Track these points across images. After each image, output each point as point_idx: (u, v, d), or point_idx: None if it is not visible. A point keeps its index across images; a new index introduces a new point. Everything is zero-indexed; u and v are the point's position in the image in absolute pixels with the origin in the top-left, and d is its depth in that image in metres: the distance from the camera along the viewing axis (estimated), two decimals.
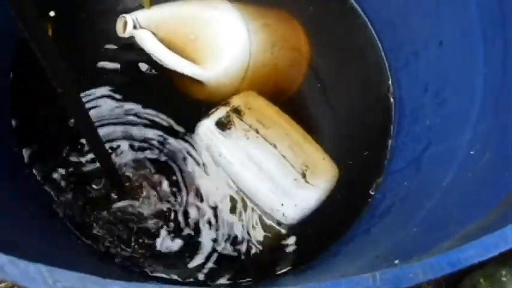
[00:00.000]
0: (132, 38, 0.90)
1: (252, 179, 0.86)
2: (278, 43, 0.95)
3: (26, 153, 0.89)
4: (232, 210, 0.89)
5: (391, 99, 1.00)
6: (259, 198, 0.86)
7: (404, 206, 0.81)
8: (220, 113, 0.89)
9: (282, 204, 0.84)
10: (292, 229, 0.88)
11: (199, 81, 0.90)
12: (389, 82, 1.01)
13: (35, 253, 0.46)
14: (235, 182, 0.88)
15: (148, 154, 0.91)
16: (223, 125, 0.88)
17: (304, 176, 0.86)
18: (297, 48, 0.99)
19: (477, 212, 0.57)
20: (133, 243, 0.86)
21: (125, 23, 0.88)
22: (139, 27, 0.88)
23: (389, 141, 0.97)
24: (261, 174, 0.85)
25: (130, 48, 0.94)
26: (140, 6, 0.93)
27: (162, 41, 0.89)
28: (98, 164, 0.83)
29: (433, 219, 0.68)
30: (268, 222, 0.88)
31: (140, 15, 0.88)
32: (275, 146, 0.87)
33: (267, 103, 0.93)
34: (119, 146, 0.91)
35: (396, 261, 0.55)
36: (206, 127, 0.88)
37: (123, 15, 0.88)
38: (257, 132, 0.88)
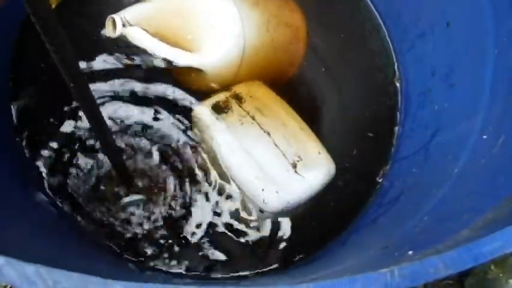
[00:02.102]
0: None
1: (238, 163, 0.85)
2: (272, 20, 0.92)
3: (35, 155, 0.88)
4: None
5: (397, 84, 0.97)
6: (243, 183, 0.85)
7: (413, 194, 0.79)
8: (218, 97, 0.89)
9: (263, 190, 0.82)
10: (299, 217, 0.87)
11: (198, 70, 0.88)
12: (395, 66, 0.98)
13: (43, 255, 0.45)
14: (225, 167, 0.87)
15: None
16: (219, 108, 0.88)
17: (295, 166, 0.84)
18: (292, 24, 0.97)
19: (493, 199, 0.55)
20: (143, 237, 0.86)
21: (114, 23, 0.86)
22: (128, 25, 0.86)
23: (396, 127, 0.95)
24: (249, 160, 0.84)
25: None
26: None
27: (154, 36, 0.87)
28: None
29: (445, 208, 0.66)
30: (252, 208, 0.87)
31: (128, 13, 0.86)
32: (269, 134, 0.86)
33: (271, 93, 0.92)
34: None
35: (410, 252, 0.53)
36: (201, 108, 0.89)
37: (111, 15, 0.86)
38: (253, 119, 0.88)
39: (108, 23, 0.87)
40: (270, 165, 0.83)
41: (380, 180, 0.92)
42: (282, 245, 0.88)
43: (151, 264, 0.84)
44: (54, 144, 0.90)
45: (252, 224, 0.88)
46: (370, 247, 0.69)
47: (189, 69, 0.88)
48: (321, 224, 0.89)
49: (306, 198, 0.84)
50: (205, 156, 0.91)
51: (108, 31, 0.88)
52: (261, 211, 0.85)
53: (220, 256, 0.87)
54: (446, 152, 0.76)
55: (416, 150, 0.86)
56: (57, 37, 0.50)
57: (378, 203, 0.87)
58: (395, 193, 0.84)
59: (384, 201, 0.86)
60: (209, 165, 0.91)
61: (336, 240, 0.85)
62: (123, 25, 0.85)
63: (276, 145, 0.85)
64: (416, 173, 0.82)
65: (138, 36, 0.86)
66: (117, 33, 0.86)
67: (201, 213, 0.88)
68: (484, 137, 0.69)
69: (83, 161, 0.89)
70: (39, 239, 0.69)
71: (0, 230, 0.59)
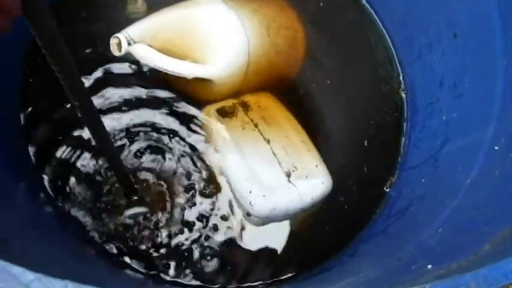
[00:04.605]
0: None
1: (231, 163, 0.86)
2: (271, 24, 0.93)
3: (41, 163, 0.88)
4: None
5: (403, 95, 0.97)
6: (233, 183, 0.86)
7: (424, 204, 0.79)
8: (225, 102, 0.92)
9: (250, 192, 0.82)
10: (308, 227, 0.87)
11: (206, 80, 0.88)
12: (401, 77, 0.98)
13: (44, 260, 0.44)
14: (220, 166, 0.88)
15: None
16: (224, 112, 0.90)
17: (288, 175, 0.84)
18: (291, 27, 0.98)
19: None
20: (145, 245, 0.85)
21: (119, 42, 0.86)
22: (133, 42, 0.86)
23: (402, 137, 0.95)
24: (243, 162, 0.84)
25: None
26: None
27: (159, 51, 0.88)
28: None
29: (460, 219, 0.66)
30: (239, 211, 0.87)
31: (131, 31, 0.87)
32: (268, 142, 0.87)
33: (279, 105, 0.93)
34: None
35: (429, 266, 0.52)
36: (206, 110, 0.91)
37: (115, 34, 0.86)
38: (256, 126, 0.89)
39: (113, 42, 0.88)
40: (263, 170, 0.84)
41: (388, 190, 0.92)
42: (291, 255, 0.87)
43: (153, 273, 0.84)
44: (60, 153, 0.89)
45: (259, 233, 0.88)
46: (383, 258, 0.69)
47: (196, 80, 0.87)
48: (330, 233, 0.89)
49: (295, 208, 0.84)
50: (210, 164, 0.90)
51: (113, 50, 0.88)
52: (248, 214, 0.85)
53: (226, 267, 0.86)
54: (457, 163, 0.76)
55: (425, 160, 0.86)
56: (62, 61, 0.51)
57: (387, 213, 0.87)
58: (404, 203, 0.84)
59: (392, 211, 0.86)
60: (216, 175, 0.90)
61: (346, 250, 0.85)
62: (128, 43, 0.86)
63: (273, 153, 0.86)
64: (425, 183, 0.82)
65: (143, 53, 0.87)
66: (123, 51, 0.86)
67: (205, 224, 0.88)
68: (496, 148, 0.69)
69: (88, 169, 0.89)
70: (42, 245, 0.68)
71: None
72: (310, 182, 0.85)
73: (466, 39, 0.81)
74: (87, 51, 0.95)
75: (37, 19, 0.46)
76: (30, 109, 0.91)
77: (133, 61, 0.91)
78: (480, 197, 0.65)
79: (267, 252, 0.86)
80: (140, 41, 0.87)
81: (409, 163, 0.91)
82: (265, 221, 0.86)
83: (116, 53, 0.88)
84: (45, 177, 0.87)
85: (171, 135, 0.91)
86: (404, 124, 0.96)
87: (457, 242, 0.62)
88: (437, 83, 0.87)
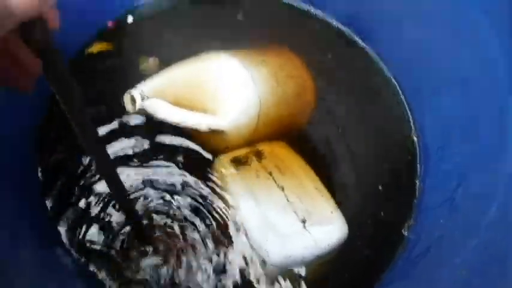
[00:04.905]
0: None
1: (245, 211, 0.85)
2: (279, 73, 0.96)
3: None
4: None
5: (414, 138, 0.99)
6: (248, 231, 0.85)
7: (443, 245, 0.78)
8: (239, 151, 0.93)
9: (267, 240, 0.82)
10: (326, 274, 0.86)
11: (218, 132, 0.90)
12: (411, 122, 1.00)
13: None
14: (235, 215, 0.87)
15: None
16: (238, 161, 0.91)
17: (303, 222, 0.84)
18: (298, 76, 1.00)
19: None
20: None
21: (133, 99, 0.89)
22: (147, 98, 0.89)
23: (417, 180, 0.96)
24: (257, 210, 0.84)
25: None
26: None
27: (172, 105, 0.91)
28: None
29: (482, 258, 0.65)
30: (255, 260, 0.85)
31: (144, 87, 0.90)
32: (282, 189, 0.88)
33: (293, 154, 0.95)
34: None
35: None
36: (221, 160, 0.92)
37: (129, 91, 0.89)
38: (270, 174, 0.90)
39: (127, 98, 0.90)
40: (278, 217, 0.84)
41: (406, 234, 0.91)
42: None
43: None
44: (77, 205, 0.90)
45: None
46: None
47: (209, 132, 0.89)
48: (348, 279, 0.88)
49: (311, 254, 0.83)
50: (223, 214, 0.90)
51: (127, 107, 0.91)
52: (264, 262, 0.84)
53: None
54: (475, 201, 0.76)
55: (441, 202, 0.86)
56: (80, 117, 0.53)
57: (407, 256, 0.86)
58: (424, 245, 0.84)
59: (412, 254, 0.85)
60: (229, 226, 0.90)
61: None
62: (142, 98, 0.88)
63: (288, 200, 0.87)
64: (443, 224, 0.82)
65: (158, 107, 0.89)
66: (137, 107, 0.89)
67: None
68: None
69: (104, 222, 0.89)
70: None
71: None
72: (326, 228, 0.85)
73: (474, 85, 0.83)
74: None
75: (56, 78, 0.47)
76: (47, 162, 0.93)
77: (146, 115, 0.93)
78: (500, 234, 0.65)
79: None
80: (153, 96, 0.90)
81: (426, 205, 0.91)
82: (280, 270, 0.85)
83: (131, 108, 0.90)
84: (62, 230, 0.88)
85: (184, 186, 0.92)
86: (418, 167, 0.97)
87: (481, 282, 0.61)
88: (448, 127, 0.88)
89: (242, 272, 0.85)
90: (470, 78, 0.84)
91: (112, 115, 0.96)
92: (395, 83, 1.04)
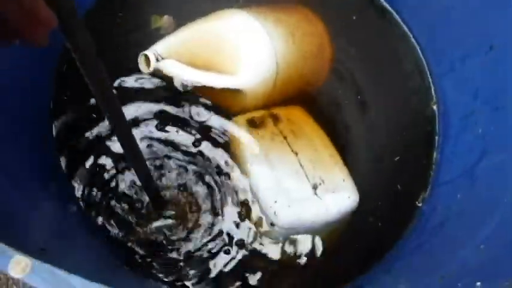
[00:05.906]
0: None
1: (257, 171, 0.86)
2: (296, 32, 0.93)
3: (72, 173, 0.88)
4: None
5: (434, 108, 0.96)
6: (258, 191, 0.86)
7: (462, 221, 0.76)
8: (256, 113, 0.92)
9: (275, 202, 0.82)
10: (340, 243, 0.85)
11: (236, 91, 0.88)
12: (432, 90, 0.97)
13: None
14: (247, 174, 0.88)
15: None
16: (253, 123, 0.91)
17: (315, 187, 0.84)
18: (315, 34, 0.97)
19: None
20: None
21: (147, 59, 0.87)
22: (161, 59, 0.87)
23: (435, 151, 0.93)
24: (270, 173, 0.85)
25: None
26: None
27: (187, 65, 0.88)
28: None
29: (503, 235, 0.63)
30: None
31: (159, 48, 0.88)
32: (296, 154, 0.87)
33: (310, 120, 0.93)
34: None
35: (478, 284, 0.51)
36: (237, 120, 0.92)
37: (143, 52, 0.87)
38: (285, 138, 0.89)
39: (141, 59, 0.88)
40: (290, 181, 0.84)
41: (420, 205, 0.90)
42: (321, 270, 0.86)
43: (179, 284, 0.84)
44: (91, 163, 0.90)
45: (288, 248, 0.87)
46: (423, 276, 0.67)
47: (226, 92, 0.88)
48: (362, 249, 0.88)
49: (321, 220, 0.83)
50: (239, 179, 0.90)
51: (142, 67, 0.89)
52: (272, 224, 0.84)
53: (255, 281, 0.85)
54: (496, 177, 0.74)
55: (460, 174, 0.84)
56: (95, 73, 0.51)
57: (421, 228, 0.85)
58: (439, 219, 0.82)
59: (427, 226, 0.84)
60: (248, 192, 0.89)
61: (380, 266, 0.83)
62: (157, 59, 0.86)
63: (301, 165, 0.86)
64: (461, 199, 0.80)
65: (173, 68, 0.87)
66: (152, 68, 0.87)
67: (235, 239, 0.87)
68: None
69: (119, 182, 0.90)
70: (70, 254, 0.68)
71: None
72: (337, 195, 0.84)
73: (503, 53, 0.79)
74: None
75: (72, 30, 0.46)
76: (61, 119, 0.92)
77: (162, 77, 0.91)
78: None
79: (293, 267, 0.85)
80: (168, 57, 0.87)
81: (443, 177, 0.89)
82: (288, 232, 0.85)
83: (145, 69, 0.88)
84: (76, 187, 0.88)
85: (196, 145, 0.92)
86: (437, 138, 0.94)
87: (500, 258, 0.60)
88: (472, 95, 0.85)
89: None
90: (499, 45, 0.80)
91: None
92: (419, 49, 1.00)
